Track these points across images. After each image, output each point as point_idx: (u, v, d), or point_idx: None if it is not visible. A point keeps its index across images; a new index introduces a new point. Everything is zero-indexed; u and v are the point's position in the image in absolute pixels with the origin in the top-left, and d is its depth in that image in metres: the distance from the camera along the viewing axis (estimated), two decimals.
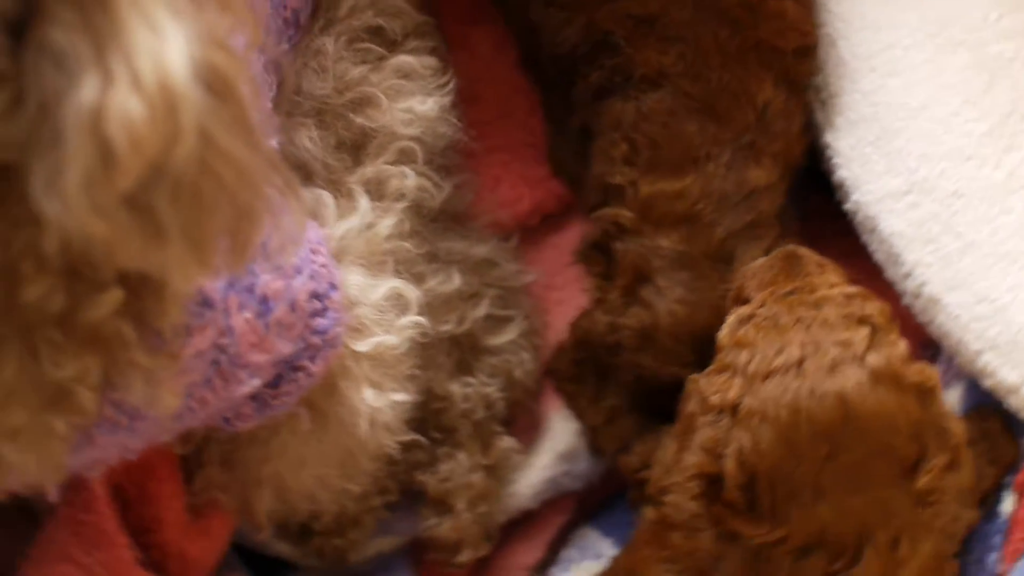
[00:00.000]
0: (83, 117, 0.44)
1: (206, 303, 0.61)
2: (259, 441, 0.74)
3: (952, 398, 0.98)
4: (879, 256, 0.96)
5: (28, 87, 0.46)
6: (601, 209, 0.97)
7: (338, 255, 0.75)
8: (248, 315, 0.64)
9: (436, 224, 0.92)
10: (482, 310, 0.96)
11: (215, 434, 0.74)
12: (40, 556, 0.83)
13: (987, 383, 0.92)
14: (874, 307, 0.83)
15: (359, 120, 0.84)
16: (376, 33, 0.88)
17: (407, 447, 0.87)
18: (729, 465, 0.78)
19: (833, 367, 0.78)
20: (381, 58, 0.87)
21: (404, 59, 0.87)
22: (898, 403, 0.78)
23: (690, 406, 0.83)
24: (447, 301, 0.92)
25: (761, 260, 0.89)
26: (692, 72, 0.94)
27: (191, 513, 0.86)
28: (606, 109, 0.97)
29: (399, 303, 0.77)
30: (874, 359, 0.79)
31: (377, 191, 0.83)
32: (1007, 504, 0.92)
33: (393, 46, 0.89)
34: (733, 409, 0.79)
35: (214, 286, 0.62)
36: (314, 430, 0.73)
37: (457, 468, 0.96)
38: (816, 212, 1.03)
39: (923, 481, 0.78)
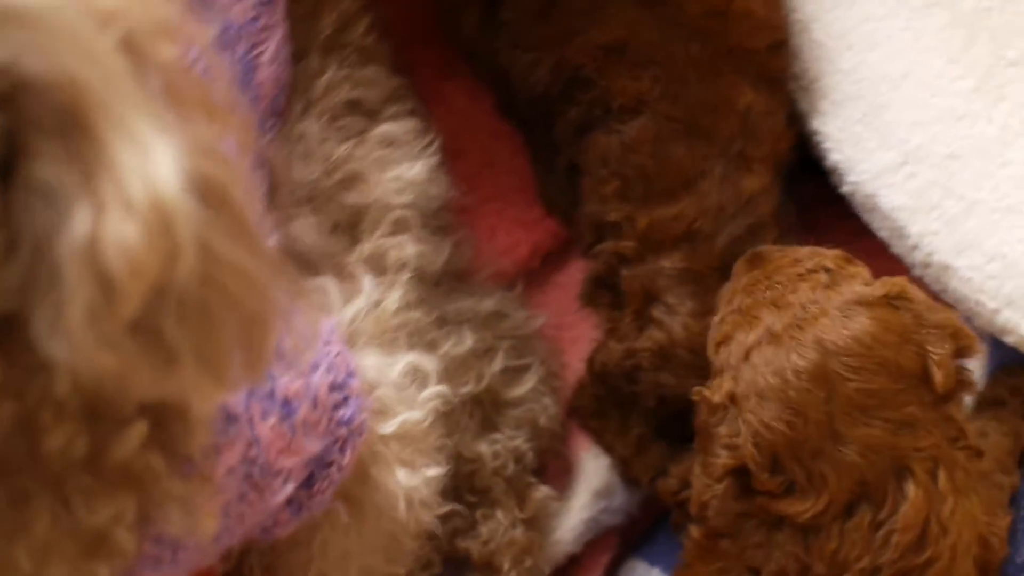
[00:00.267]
0: (78, 250, 0.43)
1: (230, 418, 0.61)
2: (300, 544, 0.73)
3: (977, 361, 0.97)
4: (883, 233, 0.96)
5: (21, 230, 0.45)
6: (598, 246, 0.97)
7: (350, 340, 0.74)
8: (273, 421, 0.63)
9: (440, 287, 0.92)
10: (498, 364, 0.95)
11: (254, 545, 0.73)
12: None
13: (1010, 340, 0.92)
14: (826, 255, 0.84)
15: (351, 198, 0.83)
16: (355, 106, 0.88)
17: (445, 517, 0.86)
18: (749, 451, 0.79)
19: (800, 319, 0.80)
20: (363, 131, 0.87)
21: (386, 128, 0.87)
22: (874, 321, 0.79)
23: (701, 416, 0.84)
24: (463, 362, 0.91)
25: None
26: (670, 93, 0.93)
27: None
28: (590, 144, 0.96)
29: (418, 376, 0.76)
30: (835, 296, 0.80)
31: (378, 266, 0.82)
32: None
33: (373, 116, 0.89)
34: (732, 400, 0.80)
35: (235, 398, 0.61)
36: (353, 522, 0.73)
37: (497, 528, 0.95)
38: (812, 200, 1.02)
39: (938, 378, 0.78)
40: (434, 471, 0.76)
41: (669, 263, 0.93)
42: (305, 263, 0.80)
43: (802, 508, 0.77)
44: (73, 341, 0.44)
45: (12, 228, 0.45)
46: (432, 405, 0.76)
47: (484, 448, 0.95)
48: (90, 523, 0.52)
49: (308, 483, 0.68)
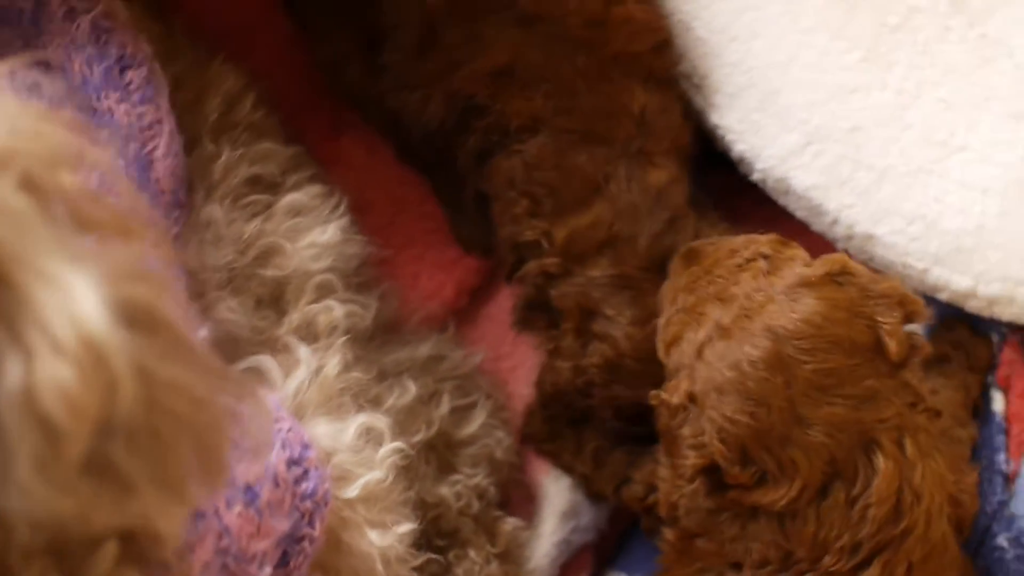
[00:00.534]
0: (15, 402, 0.43)
1: (197, 514, 0.60)
2: None
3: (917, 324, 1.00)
4: (801, 213, 0.97)
5: None
6: (521, 268, 0.98)
7: (298, 412, 0.74)
8: (238, 508, 0.63)
9: (374, 341, 0.92)
10: (445, 406, 0.95)
11: None
12: None
13: (943, 296, 0.94)
14: (761, 241, 0.85)
15: (270, 273, 0.83)
16: (256, 183, 0.88)
17: (420, 567, 0.86)
18: (716, 448, 0.79)
19: (747, 310, 0.80)
20: (269, 205, 0.87)
21: (291, 198, 0.88)
22: (821, 301, 0.79)
23: (663, 420, 0.84)
24: (410, 411, 0.91)
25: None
26: (563, 107, 0.94)
27: None
28: (493, 170, 0.97)
29: (372, 436, 0.76)
30: (778, 281, 0.81)
31: (310, 334, 0.82)
32: (998, 403, 0.95)
33: (276, 189, 0.89)
34: (692, 399, 0.80)
35: None
36: None
37: (472, 567, 0.95)
38: (725, 191, 1.03)
39: (892, 347, 0.79)
40: (405, 527, 0.76)
41: (598, 271, 0.94)
42: (236, 345, 0.79)
43: (777, 496, 0.77)
44: (26, 491, 0.44)
45: None
46: (391, 462, 0.76)
47: (446, 491, 0.95)
48: None
49: (283, 562, 0.68)
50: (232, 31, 1.04)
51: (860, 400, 0.78)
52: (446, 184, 1.05)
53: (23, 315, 0.43)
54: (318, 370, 0.78)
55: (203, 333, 0.66)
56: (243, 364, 0.77)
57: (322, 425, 0.75)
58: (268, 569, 0.66)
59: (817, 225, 0.97)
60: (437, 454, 0.95)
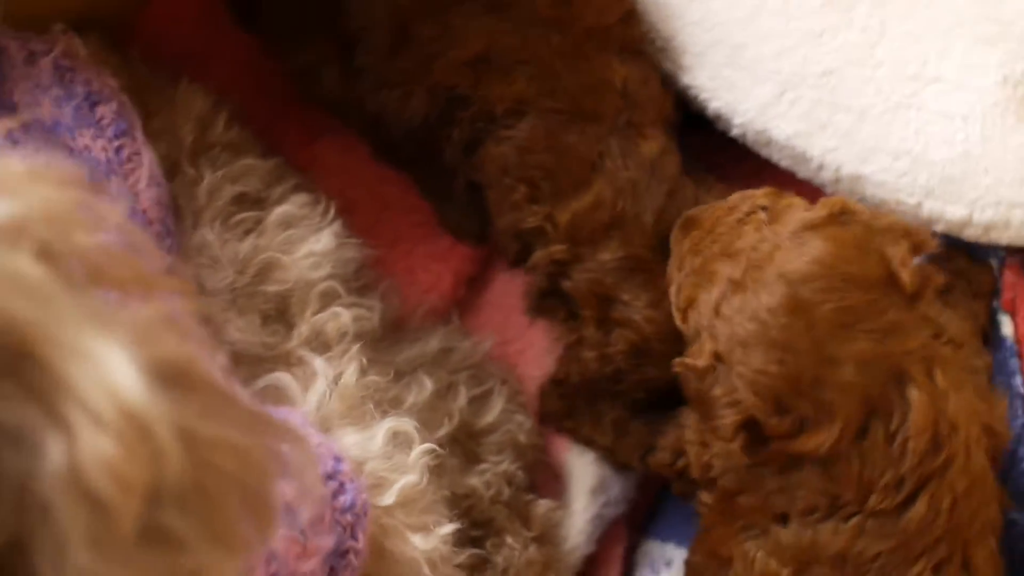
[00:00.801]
0: (62, 483, 0.42)
1: None
2: None
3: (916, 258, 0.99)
4: (785, 163, 0.97)
5: None
6: (526, 256, 0.97)
7: (323, 425, 0.73)
8: (282, 531, 0.62)
9: (383, 342, 0.91)
10: (463, 398, 0.95)
11: None
12: None
13: (939, 228, 0.93)
14: (756, 194, 0.85)
15: (271, 288, 0.83)
16: (242, 200, 0.87)
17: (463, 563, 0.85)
18: (751, 401, 0.78)
19: (756, 260, 0.80)
20: (259, 220, 0.86)
21: (280, 210, 0.87)
22: (828, 241, 0.79)
23: (691, 386, 0.83)
24: (430, 407, 0.91)
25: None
26: (546, 89, 0.93)
27: None
28: (484, 159, 0.96)
29: (401, 440, 0.76)
30: (782, 229, 0.81)
31: (321, 344, 0.82)
32: (1006, 327, 0.94)
33: (263, 204, 0.88)
34: (718, 359, 0.80)
35: None
36: None
37: (512, 553, 0.95)
38: (706, 149, 1.02)
39: (905, 278, 0.79)
40: (447, 527, 0.75)
41: (608, 255, 0.93)
42: (250, 364, 0.78)
43: (819, 441, 0.77)
44: (81, 569, 0.43)
45: None
46: (423, 463, 0.75)
47: (475, 481, 0.94)
48: None
49: None
50: (186, 55, 1.03)
51: (884, 334, 0.77)
52: (432, 177, 1.04)
53: (58, 393, 0.42)
54: (336, 379, 0.77)
55: (221, 359, 0.65)
56: (261, 383, 0.76)
57: (350, 435, 0.74)
58: None
59: (803, 172, 0.96)
60: (461, 446, 0.95)
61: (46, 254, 0.44)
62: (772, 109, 0.95)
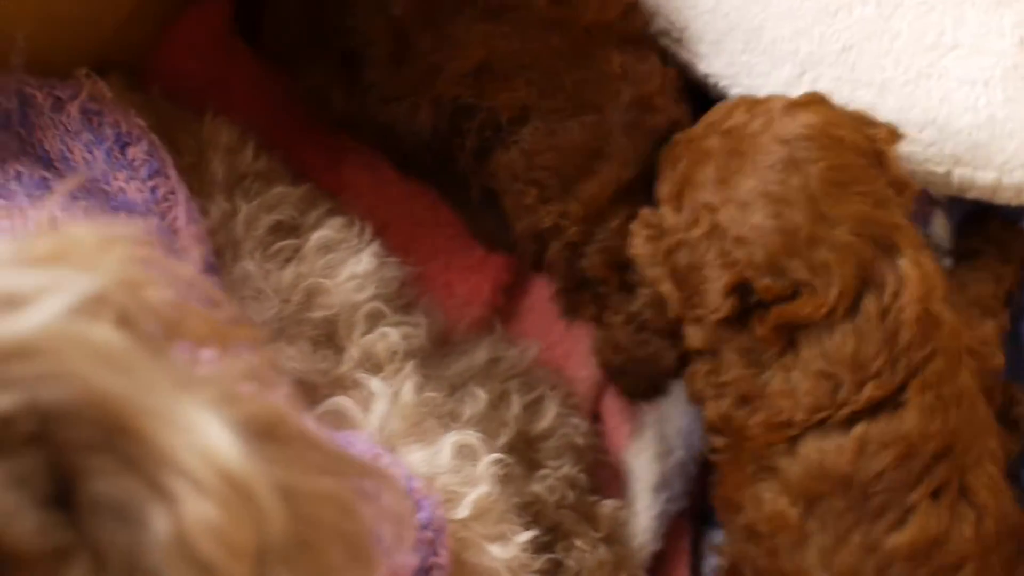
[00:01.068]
0: (171, 553, 0.42)
1: None
2: None
3: (938, 229, 0.99)
4: None
5: (103, 550, 0.43)
6: (542, 255, 0.97)
7: (388, 445, 0.73)
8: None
9: (433, 358, 0.91)
10: (516, 406, 0.94)
11: None
12: None
13: (971, 195, 0.94)
14: (733, 103, 0.87)
15: (317, 314, 0.82)
16: (279, 229, 0.87)
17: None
18: (745, 256, 0.79)
19: (753, 131, 0.82)
20: (298, 248, 0.86)
21: (318, 235, 0.86)
22: (818, 112, 0.82)
23: (681, 264, 0.84)
24: (486, 418, 0.90)
25: None
26: (548, 91, 0.93)
27: None
28: (495, 166, 0.96)
29: (466, 452, 0.75)
30: (770, 110, 0.83)
31: (374, 364, 0.81)
32: None
33: (299, 230, 0.88)
34: (715, 226, 0.81)
35: None
36: None
37: (583, 555, 0.94)
38: None
39: (888, 154, 0.82)
40: (523, 535, 0.74)
41: (616, 220, 0.94)
42: (307, 391, 0.78)
43: (815, 305, 0.77)
44: None
45: (94, 549, 0.43)
46: (492, 473, 0.75)
47: (537, 487, 0.94)
48: None
49: None
50: (205, 86, 1.03)
51: (875, 200, 0.79)
52: (452, 187, 1.03)
53: (158, 463, 0.42)
54: (394, 398, 0.77)
55: (285, 390, 0.64)
56: (320, 409, 0.75)
57: (415, 452, 0.73)
58: None
59: None
60: (519, 453, 0.94)
61: (124, 319, 0.44)
62: (793, 90, 0.94)
